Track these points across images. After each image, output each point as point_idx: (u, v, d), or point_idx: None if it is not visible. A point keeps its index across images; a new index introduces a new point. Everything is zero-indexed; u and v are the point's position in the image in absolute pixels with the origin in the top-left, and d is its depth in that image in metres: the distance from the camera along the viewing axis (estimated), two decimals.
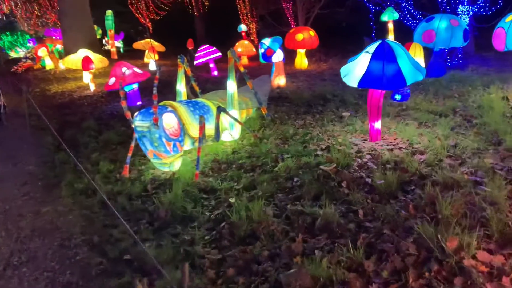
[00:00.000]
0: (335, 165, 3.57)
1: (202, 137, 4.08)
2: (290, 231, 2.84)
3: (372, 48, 3.93)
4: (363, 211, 2.93)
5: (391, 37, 11.43)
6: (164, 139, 3.84)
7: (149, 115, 3.82)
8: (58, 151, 5.27)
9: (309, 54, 11.42)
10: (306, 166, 3.75)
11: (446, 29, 7.62)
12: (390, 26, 11.18)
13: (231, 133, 4.62)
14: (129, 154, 4.30)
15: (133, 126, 3.98)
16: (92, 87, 9.62)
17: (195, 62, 10.65)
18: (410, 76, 3.78)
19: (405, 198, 3.07)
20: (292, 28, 12.28)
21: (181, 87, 4.80)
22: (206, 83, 9.39)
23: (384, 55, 3.81)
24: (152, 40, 13.14)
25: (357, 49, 12.70)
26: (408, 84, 3.76)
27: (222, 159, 4.27)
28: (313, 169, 3.68)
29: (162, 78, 10.64)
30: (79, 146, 5.43)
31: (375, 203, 3.04)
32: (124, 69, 7.15)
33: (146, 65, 12.87)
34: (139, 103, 7.71)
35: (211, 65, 10.98)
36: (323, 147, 4.19)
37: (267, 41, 8.17)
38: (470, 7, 9.43)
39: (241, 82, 5.15)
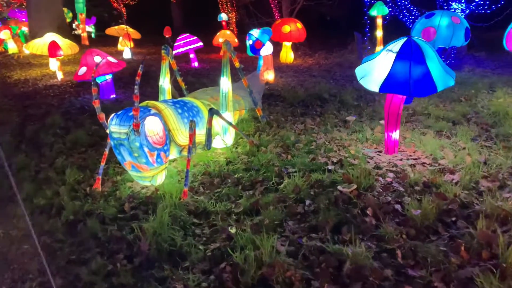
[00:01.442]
0: (355, 186, 2.98)
1: (192, 146, 3.41)
2: (312, 278, 2.23)
3: (396, 46, 3.34)
4: (401, 251, 2.34)
5: (379, 33, 10.98)
6: (146, 149, 3.14)
7: (128, 119, 3.11)
8: (17, 153, 4.47)
9: (293, 48, 10.83)
10: (319, 185, 3.14)
11: (447, 27, 7.13)
12: (379, 21, 10.70)
13: (224, 139, 3.96)
14: (102, 164, 3.58)
15: (107, 131, 3.26)
16: (60, 76, 8.69)
17: (174, 52, 9.84)
18: (441, 81, 3.22)
19: (448, 233, 2.51)
20: (278, 20, 11.64)
21: (165, 83, 4.08)
22: (186, 75, 8.66)
23: (411, 54, 3.23)
24: (127, 27, 12.19)
25: (342, 44, 12.39)
26: (438, 90, 3.20)
27: (215, 171, 3.61)
28: (328, 189, 3.07)
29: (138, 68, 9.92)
30: (43, 147, 4.65)
31: (413, 240, 2.47)
32: (97, 58, 6.32)
33: (120, 52, 11.94)
34: (112, 96, 6.91)
35: (192, 56, 10.22)
36: (335, 160, 3.58)
37: (255, 33, 7.48)
38: (467, 5, 9.03)
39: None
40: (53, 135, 5.02)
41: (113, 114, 3.26)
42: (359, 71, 3.54)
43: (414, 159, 3.57)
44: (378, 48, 11.16)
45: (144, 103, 3.44)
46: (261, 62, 8.76)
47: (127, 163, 3.26)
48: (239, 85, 4.61)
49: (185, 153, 3.55)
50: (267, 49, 7.63)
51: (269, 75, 7.78)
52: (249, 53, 7.70)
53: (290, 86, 7.10)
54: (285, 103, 5.71)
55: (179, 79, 4.44)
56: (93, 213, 3.11)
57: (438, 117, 4.75)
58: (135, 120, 3.01)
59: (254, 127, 4.66)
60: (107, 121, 3.26)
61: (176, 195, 3.17)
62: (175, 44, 10.03)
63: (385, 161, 3.56)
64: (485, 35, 10.63)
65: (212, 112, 3.60)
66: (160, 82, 4.10)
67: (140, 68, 3.01)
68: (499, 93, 5.83)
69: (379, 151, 3.80)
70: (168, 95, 4.10)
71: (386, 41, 11.11)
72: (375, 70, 3.38)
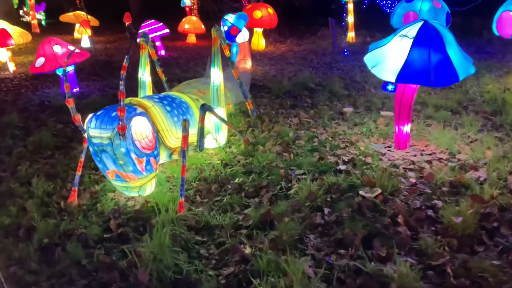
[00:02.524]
0: (379, 190, 2.64)
1: (187, 149, 2.95)
2: None
3: (411, 30, 3.01)
4: (450, 268, 2.03)
5: (350, 18, 10.77)
6: (133, 155, 2.66)
7: (111, 121, 2.60)
8: None
9: (264, 35, 10.41)
10: (335, 190, 2.78)
11: (429, 11, 6.95)
12: (350, 6, 10.48)
13: (217, 138, 3.51)
14: (78, 173, 3.05)
15: (85, 135, 2.74)
16: (12, 68, 7.84)
17: (138, 40, 9.14)
18: (462, 68, 2.93)
19: (494, 242, 2.23)
20: (248, 5, 11.14)
21: (145, 76, 3.56)
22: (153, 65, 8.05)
23: (430, 40, 2.91)
24: (84, 13, 11.28)
25: (312, 31, 12.08)
26: (460, 79, 2.91)
27: (211, 176, 3.17)
28: (347, 194, 2.72)
29: (100, 58, 9.14)
30: (0, 152, 4.02)
31: (457, 252, 2.16)
32: (56, 48, 5.63)
33: (77, 41, 11.04)
34: (75, 89, 6.23)
35: (158, 43, 9.55)
36: (345, 158, 3.23)
37: (230, 18, 6.98)
38: None
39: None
40: (11, 136, 4.38)
41: (91, 115, 2.74)
42: (369, 59, 3.19)
43: (429, 154, 3.29)
44: (350, 34, 10.96)
45: (127, 100, 2.93)
46: (234, 50, 8.31)
47: (110, 172, 2.75)
48: (227, 76, 4.16)
49: (175, 156, 3.08)
50: (243, 36, 7.17)
51: (247, 64, 7.33)
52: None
53: (270, 75, 6.69)
54: (271, 95, 5.30)
55: (159, 70, 3.92)
56: (72, 234, 2.60)
57: (436, 106, 4.51)
58: (120, 122, 2.51)
59: (245, 122, 4.24)
60: (83, 123, 2.74)
61: (171, 208, 2.72)
62: (139, 31, 9.32)
63: (399, 157, 3.26)
64: (458, 19, 10.64)
65: (205, 108, 3.14)
66: (140, 75, 3.58)
67: (125, 60, 2.49)
68: (486, 79, 5.69)
69: (388, 146, 3.49)
70: (149, 90, 3.59)
71: (361, 27, 10.99)
72: (389, 57, 3.04)
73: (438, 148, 3.37)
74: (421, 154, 3.29)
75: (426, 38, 2.92)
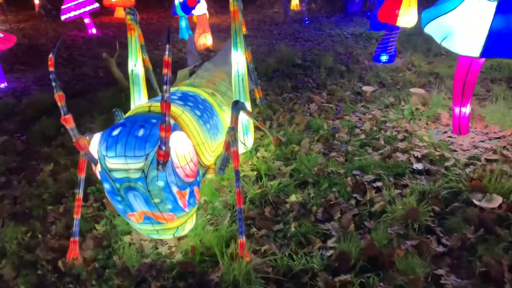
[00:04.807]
0: (500, 198, 2.10)
1: (226, 159, 2.17)
2: None
3: None
4: None
5: None
6: (174, 188, 1.82)
7: (142, 145, 1.73)
8: None
9: None
10: (434, 200, 2.19)
11: None
12: None
13: (245, 142, 2.74)
14: (77, 216, 2.12)
15: (97, 169, 1.83)
16: None
17: (62, 17, 7.70)
18: None
19: None
20: None
21: (138, 67, 2.62)
22: (88, 46, 6.81)
23: None
24: None
25: None
26: None
27: (256, 195, 2.41)
28: (453, 205, 2.15)
29: (22, 42, 7.50)
30: None
31: None
32: None
33: None
34: (3, 84, 4.92)
35: (87, 21, 8.14)
36: (417, 154, 2.64)
37: None
38: None
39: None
40: None
41: (98, 135, 1.82)
42: (434, 29, 2.58)
43: (497, 138, 2.83)
44: (294, 1, 10.33)
45: (143, 107, 2.04)
46: (183, 23, 7.29)
47: (136, 214, 1.89)
48: (221, 59, 3.32)
49: (210, 175, 2.28)
50: (202, 7, 6.21)
51: (207, 39, 6.40)
52: (179, 12, 6.17)
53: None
54: (260, 75, 4.53)
55: (146, 57, 2.97)
56: None
57: (448, 77, 4.09)
58: (163, 146, 1.65)
59: (255, 114, 3.47)
60: (90, 148, 1.82)
61: (234, 254, 1.95)
62: (63, 7, 7.81)
63: (469, 145, 2.76)
64: None
65: (239, 106, 2.33)
66: (131, 66, 2.63)
67: (167, 50, 1.60)
68: None
69: (444, 132, 2.98)
70: (143, 84, 2.66)
71: None
72: (464, 27, 2.46)
73: (503, 129, 2.92)
74: (490, 139, 2.83)
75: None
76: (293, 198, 2.35)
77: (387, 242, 1.96)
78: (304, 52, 5.45)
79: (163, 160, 1.67)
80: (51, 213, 2.48)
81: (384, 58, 4.93)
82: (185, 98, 2.29)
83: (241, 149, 2.76)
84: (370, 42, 6.26)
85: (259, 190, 2.42)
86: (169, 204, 1.84)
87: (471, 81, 2.74)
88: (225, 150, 2.14)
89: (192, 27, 7.30)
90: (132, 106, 2.65)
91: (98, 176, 1.89)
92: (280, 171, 2.61)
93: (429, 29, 2.61)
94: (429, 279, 1.76)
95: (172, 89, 2.52)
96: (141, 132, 1.77)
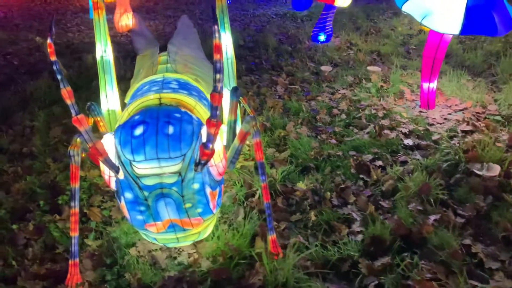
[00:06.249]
0: (498, 167, 2.25)
1: (238, 151, 2.00)
2: None
3: None
4: None
5: None
6: (208, 190, 1.61)
7: (177, 143, 1.48)
8: None
9: None
10: (438, 174, 2.27)
11: None
12: None
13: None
14: (75, 234, 1.76)
15: (120, 175, 1.52)
16: None
17: None
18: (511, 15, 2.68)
19: None
20: None
21: (108, 52, 2.26)
22: None
23: None
24: None
25: None
26: None
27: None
28: (455, 177, 2.25)
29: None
30: None
31: None
32: None
33: None
34: None
35: None
36: (404, 130, 2.71)
37: None
38: None
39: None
40: None
41: (115, 134, 1.53)
42: (412, 7, 2.65)
43: (461, 110, 3.05)
44: None
45: (153, 100, 1.76)
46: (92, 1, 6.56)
47: (160, 224, 1.64)
48: (181, 40, 3.05)
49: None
50: None
51: (129, 20, 5.85)
52: None
53: (165, 32, 5.51)
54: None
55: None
56: None
57: (392, 55, 4.31)
58: (210, 145, 1.43)
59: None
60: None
61: (266, 253, 1.81)
62: None
63: (441, 119, 2.92)
64: None
65: (238, 93, 2.15)
66: (99, 52, 2.26)
67: (216, 32, 1.35)
68: (394, 22, 5.78)
69: (413, 108, 3.12)
70: (114, 76, 2.31)
71: None
72: (442, 5, 2.56)
73: (463, 101, 3.15)
74: (455, 111, 3.03)
75: None
76: (301, 185, 2.27)
77: (412, 219, 2.00)
78: (241, 33, 5.30)
79: (206, 159, 1.46)
80: (19, 233, 2.06)
81: (322, 37, 5.01)
82: (185, 87, 2.04)
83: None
84: (296, 22, 6.32)
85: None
86: (200, 207, 1.63)
87: (439, 58, 2.89)
88: (240, 141, 1.96)
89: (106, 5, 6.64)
90: (103, 99, 2.30)
91: (112, 186, 1.60)
92: (277, 158, 2.49)
93: (408, 7, 2.68)
94: (463, 250, 1.83)
95: (158, 76, 2.23)
96: (171, 130, 1.51)
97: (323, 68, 3.82)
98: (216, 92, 1.37)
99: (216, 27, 1.36)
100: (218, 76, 1.36)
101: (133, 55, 3.43)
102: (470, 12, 2.51)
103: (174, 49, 2.87)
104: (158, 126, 1.52)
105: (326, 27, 4.97)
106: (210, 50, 1.72)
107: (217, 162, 1.63)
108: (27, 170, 2.49)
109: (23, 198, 2.31)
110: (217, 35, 1.35)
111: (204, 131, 1.58)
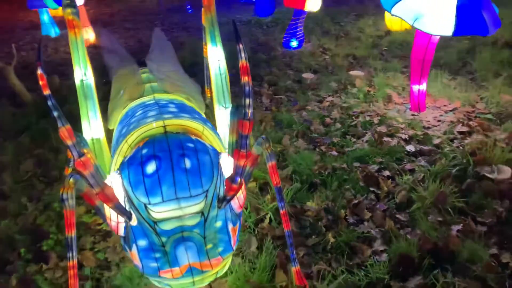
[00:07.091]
0: (509, 169, 2.20)
1: (250, 175, 1.83)
2: None
3: None
4: None
5: None
6: (230, 226, 1.44)
7: (197, 178, 1.30)
8: None
9: None
10: (449, 180, 2.20)
11: None
12: None
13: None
14: (74, 283, 1.53)
15: (133, 221, 1.31)
16: None
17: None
18: (497, 14, 2.68)
19: None
20: None
21: (88, 75, 2.02)
22: None
23: None
24: None
25: None
26: (500, 25, 2.65)
27: (271, 209, 2.11)
28: (467, 182, 2.19)
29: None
30: None
31: None
32: None
33: None
34: None
35: None
36: (403, 136, 2.63)
37: None
38: None
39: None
40: None
41: (122, 174, 1.32)
42: (403, 10, 2.59)
43: (451, 110, 3.03)
44: None
45: (156, 127, 1.55)
46: (44, 17, 6.16)
47: (178, 269, 1.44)
48: (158, 56, 2.85)
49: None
50: None
51: (89, 35, 5.52)
52: (51, 4, 5.15)
53: (134, 47, 5.23)
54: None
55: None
56: None
57: (368, 57, 4.27)
58: (238, 179, 1.25)
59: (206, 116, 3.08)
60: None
61: (292, 287, 1.65)
62: None
63: (435, 122, 2.88)
64: None
65: (239, 112, 1.96)
66: (79, 76, 2.00)
67: (242, 51, 1.18)
68: (361, 23, 5.79)
69: (404, 111, 3.07)
70: (97, 101, 2.07)
71: None
72: (433, 7, 2.52)
73: (451, 101, 3.14)
74: (446, 112, 3.01)
75: None
76: (311, 204, 2.13)
77: (435, 232, 1.90)
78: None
79: (233, 195, 1.29)
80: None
81: (294, 44, 4.92)
82: (183, 109, 1.84)
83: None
84: (263, 29, 6.21)
85: (272, 204, 2.13)
86: (222, 246, 1.44)
87: (428, 60, 2.85)
88: (251, 164, 1.79)
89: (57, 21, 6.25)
90: (86, 127, 2.05)
91: (121, 232, 1.39)
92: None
93: (397, 11, 2.61)
94: (494, 262, 1.76)
95: (148, 98, 2.01)
96: (188, 164, 1.32)
97: (304, 75, 3.72)
98: (247, 120, 1.20)
99: (240, 45, 1.19)
100: (248, 101, 1.19)
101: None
102: (461, 13, 2.48)
103: (155, 66, 2.65)
104: (173, 161, 1.32)
105: (298, 33, 4.88)
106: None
107: (238, 194, 1.45)
108: (1, 213, 2.19)
109: (0, 247, 2.02)
110: (242, 54, 1.18)
111: (223, 160, 1.41)
